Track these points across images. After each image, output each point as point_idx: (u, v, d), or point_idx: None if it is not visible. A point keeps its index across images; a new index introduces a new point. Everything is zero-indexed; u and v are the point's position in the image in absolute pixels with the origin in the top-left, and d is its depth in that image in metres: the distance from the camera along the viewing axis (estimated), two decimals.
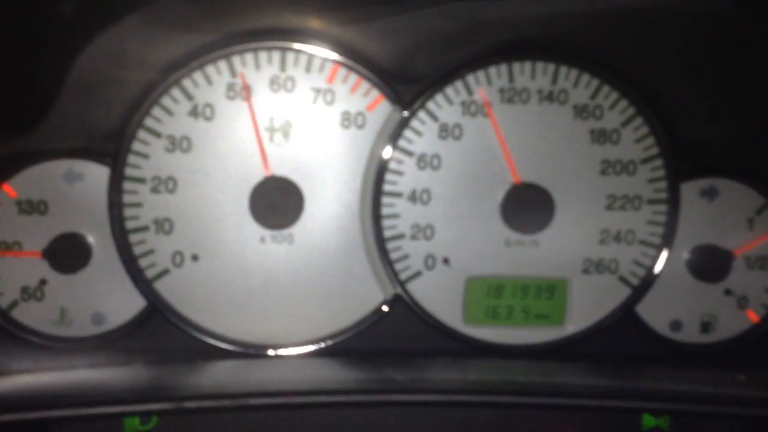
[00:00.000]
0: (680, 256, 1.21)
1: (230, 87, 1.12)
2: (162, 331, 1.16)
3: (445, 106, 1.16)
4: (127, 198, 1.13)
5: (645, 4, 1.13)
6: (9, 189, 1.12)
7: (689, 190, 1.20)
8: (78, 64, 1.08)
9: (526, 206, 1.17)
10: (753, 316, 1.23)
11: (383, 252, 1.17)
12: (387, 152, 1.16)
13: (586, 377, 1.17)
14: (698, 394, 1.13)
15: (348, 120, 1.15)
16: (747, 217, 1.21)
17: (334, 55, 1.13)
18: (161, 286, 1.15)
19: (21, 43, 1.04)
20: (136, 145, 1.12)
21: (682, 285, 1.21)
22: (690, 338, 1.23)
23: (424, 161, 1.17)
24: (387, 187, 1.17)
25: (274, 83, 1.13)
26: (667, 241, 1.19)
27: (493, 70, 1.15)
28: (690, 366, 1.22)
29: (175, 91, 1.11)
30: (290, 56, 1.12)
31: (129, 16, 1.06)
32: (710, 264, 1.21)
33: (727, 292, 1.22)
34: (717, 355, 1.24)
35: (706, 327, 1.23)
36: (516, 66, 1.15)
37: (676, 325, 1.23)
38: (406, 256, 1.18)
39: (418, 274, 1.19)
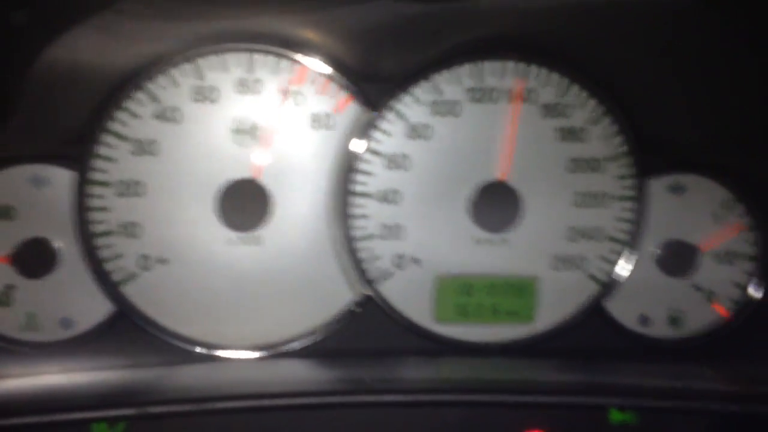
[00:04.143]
0: (648, 251, 1.22)
1: (197, 89, 1.12)
2: (131, 335, 1.16)
3: (414, 106, 1.16)
4: (93, 202, 1.12)
5: (612, 3, 1.14)
6: None
7: (656, 186, 1.21)
8: (40, 69, 1.06)
9: (495, 205, 1.18)
10: (721, 311, 1.24)
11: (353, 252, 1.17)
12: (356, 153, 1.15)
13: (556, 373, 1.18)
14: (666, 389, 1.14)
15: (316, 121, 1.15)
16: (714, 212, 1.22)
17: (301, 57, 1.12)
18: (129, 290, 1.15)
19: None
20: (102, 149, 1.11)
21: (650, 280, 1.22)
22: (659, 333, 1.24)
23: (393, 161, 1.17)
24: (356, 188, 1.17)
25: (241, 85, 1.12)
26: (635, 237, 1.20)
27: (461, 70, 1.15)
28: (659, 360, 1.23)
29: (140, 94, 1.11)
30: (257, 58, 1.12)
31: (90, 19, 1.05)
32: (678, 259, 1.22)
33: (696, 286, 1.23)
34: (685, 350, 1.25)
35: (674, 322, 1.24)
36: (485, 65, 1.15)
37: (644, 320, 1.24)
38: (375, 257, 1.18)
39: (388, 273, 1.19)
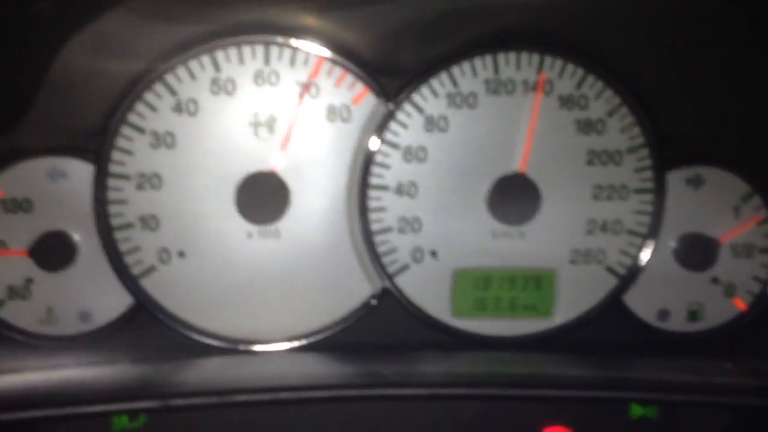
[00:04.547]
0: (667, 244, 1.21)
1: (214, 82, 1.11)
2: (149, 328, 1.16)
3: (431, 98, 1.15)
4: (111, 195, 1.12)
5: None
6: None
7: (675, 178, 1.20)
8: (59, 61, 1.07)
9: (513, 197, 1.17)
10: (740, 304, 1.24)
11: (370, 245, 1.17)
12: (373, 145, 1.15)
13: (575, 368, 1.18)
14: (686, 383, 1.13)
15: (333, 113, 1.15)
16: (733, 204, 1.21)
17: (318, 49, 1.12)
18: (148, 283, 1.15)
19: (0, 42, 1.03)
20: (120, 142, 1.11)
21: (669, 274, 1.22)
22: (677, 327, 1.24)
23: (410, 154, 1.16)
24: (373, 181, 1.16)
25: (259, 77, 1.12)
26: (654, 230, 1.20)
27: (478, 62, 1.15)
28: (678, 355, 1.22)
29: (158, 87, 1.10)
30: (274, 50, 1.12)
31: (108, 11, 1.05)
32: (697, 252, 1.21)
33: (714, 280, 1.22)
34: (705, 344, 1.24)
35: (693, 316, 1.24)
36: (501, 57, 1.15)
37: (663, 314, 1.23)
38: (393, 250, 1.18)
39: (405, 267, 1.19)
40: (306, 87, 1.13)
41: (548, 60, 1.15)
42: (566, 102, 1.16)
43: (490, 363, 1.19)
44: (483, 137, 1.16)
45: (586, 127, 1.17)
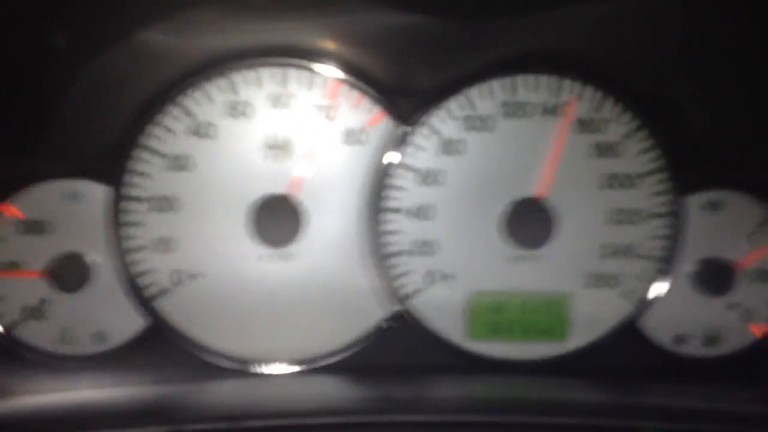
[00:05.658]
0: (684, 269, 1.20)
1: (231, 104, 1.11)
2: (163, 349, 1.16)
3: (448, 121, 1.15)
4: (126, 217, 1.13)
5: (648, 16, 1.13)
6: (9, 209, 1.11)
7: (693, 202, 1.19)
8: (77, 84, 1.07)
9: (528, 221, 1.17)
10: (757, 330, 1.22)
11: (384, 268, 1.17)
12: (388, 168, 1.15)
13: (590, 393, 1.17)
14: (701, 410, 1.12)
15: (349, 136, 1.15)
16: (751, 229, 1.20)
17: (335, 72, 1.12)
18: (162, 305, 1.15)
19: (19, 67, 1.03)
20: (136, 164, 1.12)
21: (685, 299, 1.21)
22: (694, 352, 1.23)
23: (426, 177, 1.16)
24: (389, 203, 1.16)
25: (276, 100, 1.12)
26: (671, 255, 1.19)
27: (495, 84, 1.14)
28: (694, 380, 1.21)
29: (175, 110, 1.11)
30: (291, 73, 1.12)
31: (125, 36, 1.05)
32: (714, 277, 1.20)
33: (732, 305, 1.21)
34: (721, 370, 1.23)
35: (710, 341, 1.22)
36: (518, 79, 1.14)
37: (679, 339, 1.22)
38: (407, 272, 1.18)
39: (419, 290, 1.18)
40: (328, 110, 1.13)
41: (566, 83, 1.15)
42: (584, 125, 1.16)
43: (504, 388, 1.19)
44: (500, 160, 1.16)
45: (604, 150, 1.16)
